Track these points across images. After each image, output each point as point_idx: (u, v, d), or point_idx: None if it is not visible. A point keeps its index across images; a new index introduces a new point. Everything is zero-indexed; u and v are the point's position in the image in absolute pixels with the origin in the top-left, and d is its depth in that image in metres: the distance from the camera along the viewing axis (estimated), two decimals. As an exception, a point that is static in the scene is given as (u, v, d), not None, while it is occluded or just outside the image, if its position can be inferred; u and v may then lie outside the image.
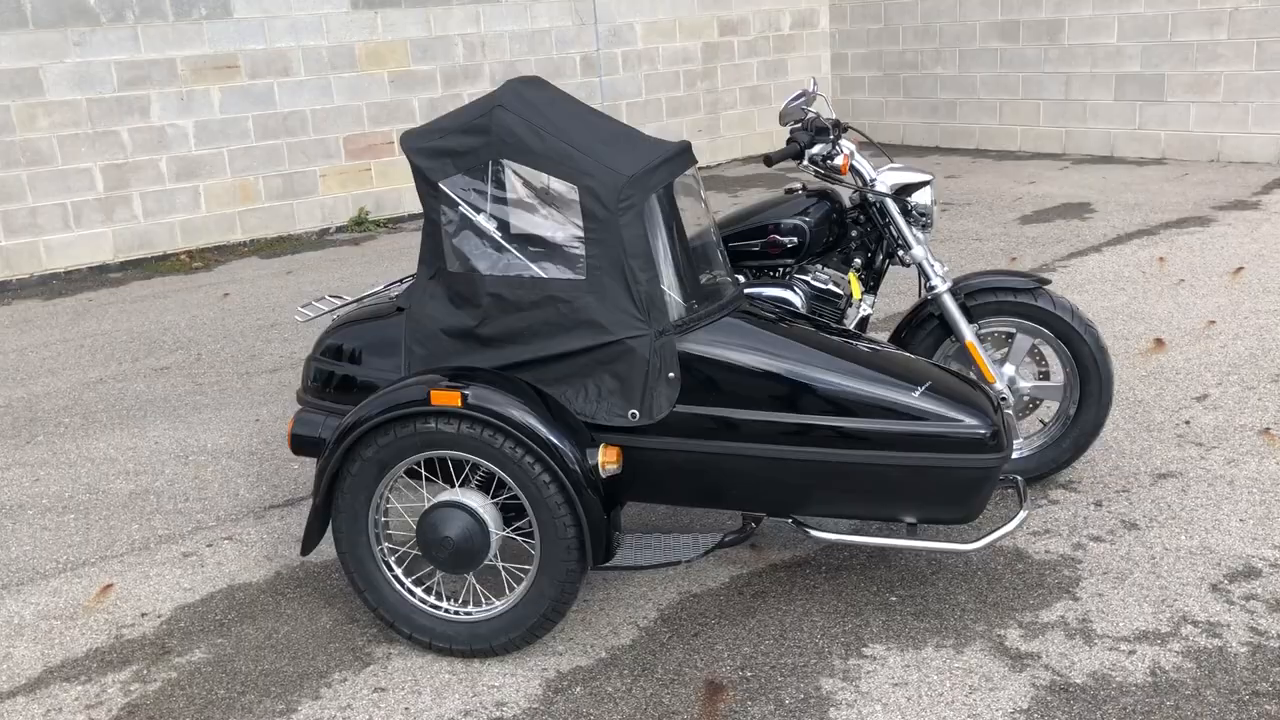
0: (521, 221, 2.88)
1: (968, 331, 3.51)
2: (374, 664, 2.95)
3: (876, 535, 2.92)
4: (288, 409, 4.90)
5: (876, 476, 2.82)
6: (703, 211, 3.08)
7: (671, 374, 2.85)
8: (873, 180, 3.58)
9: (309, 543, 2.95)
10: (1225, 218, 7.16)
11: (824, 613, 3.04)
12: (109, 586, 3.45)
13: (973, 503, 2.84)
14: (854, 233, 3.67)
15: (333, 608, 3.24)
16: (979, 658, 2.78)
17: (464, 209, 2.91)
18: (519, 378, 2.89)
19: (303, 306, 3.42)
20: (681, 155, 2.98)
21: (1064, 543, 3.30)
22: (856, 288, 3.60)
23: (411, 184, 9.38)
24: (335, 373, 3.15)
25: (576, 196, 2.82)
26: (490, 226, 2.90)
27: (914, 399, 2.81)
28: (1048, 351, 4.27)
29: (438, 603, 2.96)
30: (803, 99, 3.64)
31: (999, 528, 2.91)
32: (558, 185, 2.84)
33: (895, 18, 11.15)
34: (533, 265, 2.88)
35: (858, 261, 3.67)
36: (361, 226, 9.09)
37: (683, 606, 3.12)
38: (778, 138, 11.74)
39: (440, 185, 2.92)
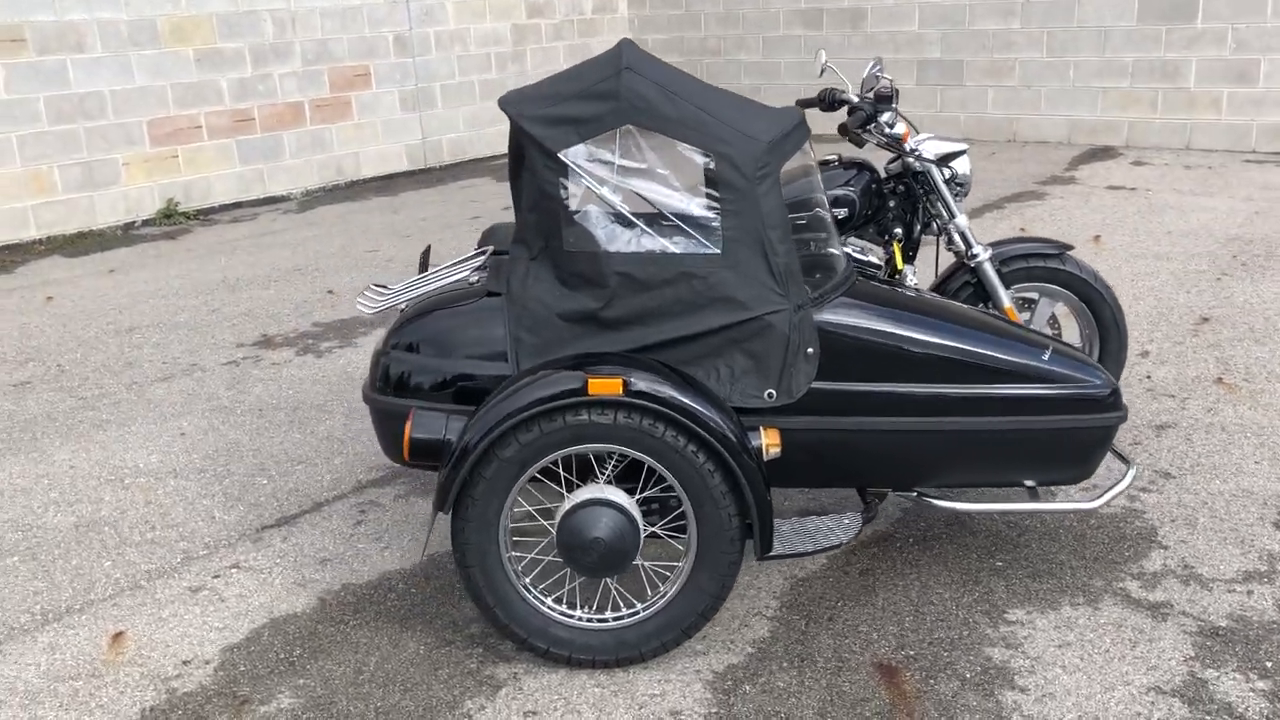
0: (651, 193, 2.67)
1: (1006, 297, 3.59)
2: (505, 686, 2.66)
3: (996, 502, 2.92)
4: (211, 420, 4.36)
5: (1010, 442, 2.82)
6: (816, 182, 2.97)
7: (810, 349, 2.73)
8: (917, 149, 3.59)
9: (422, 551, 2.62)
10: (1055, 191, 7.74)
11: (942, 584, 3.01)
12: (120, 634, 2.94)
13: (1093, 462, 2.90)
14: (892, 203, 3.66)
15: (412, 630, 2.90)
16: (1119, 611, 2.84)
17: (587, 181, 2.67)
18: (656, 360, 2.68)
19: (361, 298, 3.02)
20: (802, 124, 2.85)
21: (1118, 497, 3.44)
22: (900, 258, 3.60)
23: (223, 171, 8.61)
24: (421, 367, 2.80)
25: (712, 164, 2.64)
26: (616, 199, 2.67)
27: (1044, 362, 2.83)
28: (1060, 313, 4.45)
29: (570, 611, 2.71)
30: (877, 67, 3.61)
31: (1113, 485, 2.98)
32: (690, 153, 2.65)
33: (696, 4, 11.30)
34: (664, 240, 2.67)
35: (898, 232, 3.67)
36: (171, 219, 8.24)
37: (799, 592, 3.01)
38: (584, 122, 11.63)
39: (561, 156, 2.66)
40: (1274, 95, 8.44)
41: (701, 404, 2.53)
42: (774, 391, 2.74)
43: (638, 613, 2.69)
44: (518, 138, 2.74)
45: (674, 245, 2.68)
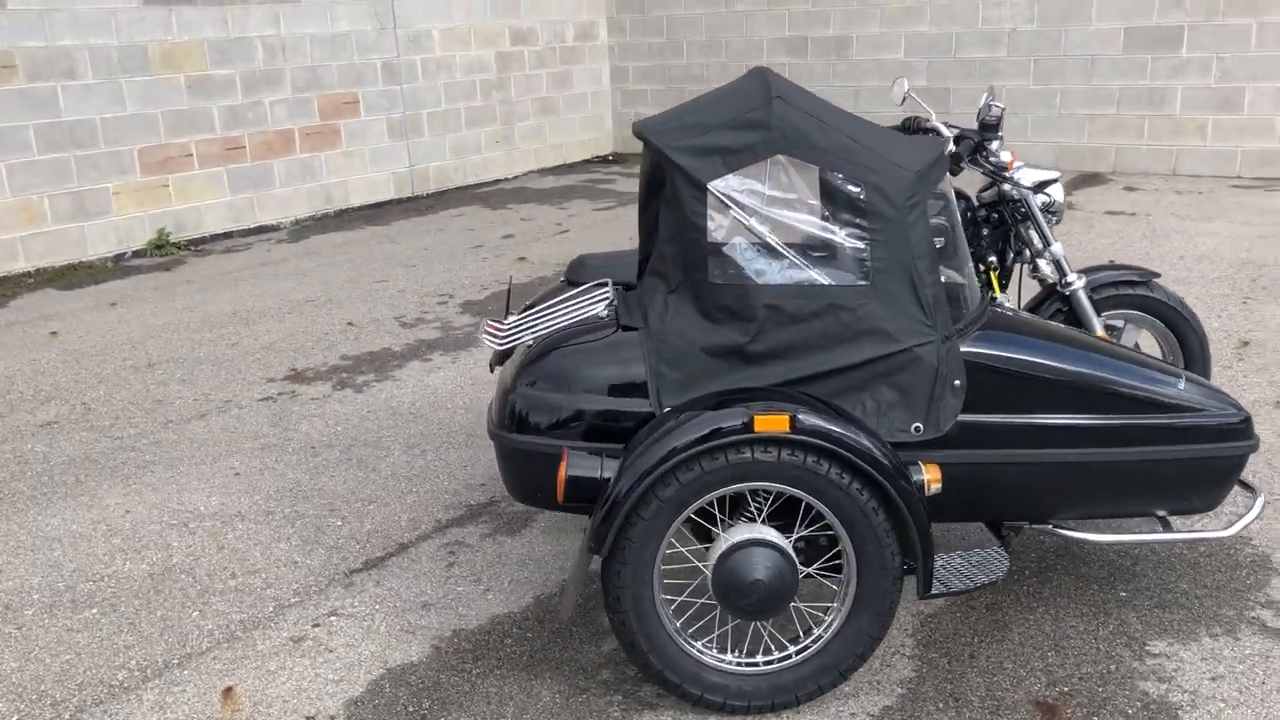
0: (800, 224, 2.62)
1: (1099, 324, 3.58)
2: (658, 736, 2.56)
3: (1127, 533, 2.90)
4: (263, 459, 4.20)
5: (1148, 472, 2.80)
6: (953, 211, 2.94)
7: (957, 382, 2.69)
8: (1015, 176, 3.58)
9: (569, 603, 2.51)
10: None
11: (1073, 617, 2.97)
12: (230, 690, 2.79)
13: (1225, 490, 2.89)
14: (985, 231, 3.64)
15: (542, 678, 2.79)
16: (1262, 642, 2.82)
17: (735, 212, 2.60)
18: (806, 395, 2.61)
19: (484, 334, 2.92)
20: (943, 155, 2.82)
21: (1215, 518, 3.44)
22: (996, 285, 3.58)
23: (213, 201, 8.40)
24: (556, 404, 2.71)
25: (862, 194, 2.59)
26: (765, 230, 2.61)
27: (1181, 391, 2.81)
28: (1143, 340, 4.47)
29: (722, 655, 2.62)
30: (990, 96, 3.62)
31: (1246, 513, 2.97)
32: (840, 183, 2.60)
33: (678, 32, 11.33)
34: (812, 272, 2.61)
35: (992, 260, 3.65)
36: (162, 250, 8.01)
37: (931, 629, 2.95)
38: (567, 150, 11.58)
39: (710, 187, 2.59)
40: (1258, 123, 8.65)
41: (868, 440, 2.47)
42: (921, 425, 2.69)
43: (792, 656, 2.61)
44: (658, 168, 2.67)
45: (822, 277, 2.62)
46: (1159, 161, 9.12)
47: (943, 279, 2.71)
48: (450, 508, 3.78)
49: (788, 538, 2.61)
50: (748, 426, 2.42)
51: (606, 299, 2.85)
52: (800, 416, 2.43)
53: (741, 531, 2.53)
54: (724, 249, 2.62)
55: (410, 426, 4.51)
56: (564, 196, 9.71)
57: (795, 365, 2.65)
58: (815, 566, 2.66)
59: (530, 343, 2.83)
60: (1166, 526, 2.97)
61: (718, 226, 2.62)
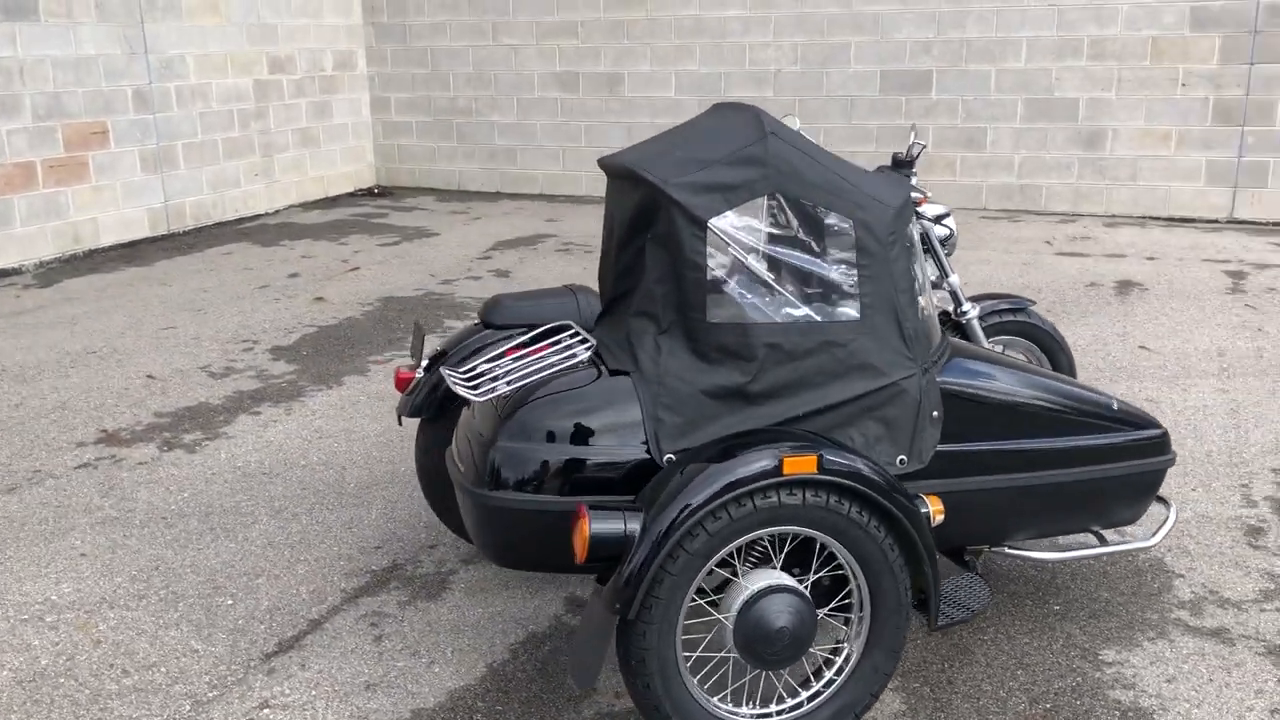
0: (795, 260, 2.59)
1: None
2: (683, 802, 2.42)
3: (1070, 549, 3.05)
4: (109, 535, 3.70)
5: (1095, 488, 2.97)
6: (917, 246, 2.99)
7: (935, 413, 2.74)
8: (919, 210, 3.70)
9: (591, 674, 2.35)
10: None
11: (1022, 634, 3.09)
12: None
13: (1149, 502, 3.10)
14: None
15: (533, 754, 2.59)
16: (1191, 641, 3.04)
17: (734, 250, 2.54)
18: (806, 432, 2.57)
19: (455, 385, 2.67)
20: (910, 192, 2.87)
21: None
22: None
23: (-53, 242, 7.38)
24: (547, 457, 2.53)
25: (850, 230, 2.60)
26: (762, 268, 2.56)
27: (1116, 411, 3.00)
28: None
29: (736, 709, 2.53)
30: (914, 134, 3.70)
31: (1163, 523, 3.19)
32: (830, 219, 2.60)
33: (444, 63, 11.11)
34: (806, 308, 2.59)
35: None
36: (-117, 299, 6.95)
37: (903, 661, 2.97)
38: (330, 183, 11.06)
39: (710, 225, 2.51)
40: (1000, 159, 9.48)
41: (885, 478, 2.46)
42: (905, 457, 2.72)
43: (804, 703, 2.55)
44: (649, 204, 2.56)
45: (816, 314, 2.60)
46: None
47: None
48: (351, 575, 3.47)
49: (803, 581, 2.56)
50: (778, 469, 2.36)
51: (587, 343, 2.70)
52: (827, 456, 2.39)
53: (760, 578, 2.45)
54: (724, 288, 2.55)
55: (268, 488, 4.11)
56: (338, 232, 9.26)
57: (793, 404, 2.61)
58: (829, 608, 2.62)
59: (502, 393, 2.63)
60: (1102, 540, 3.15)
61: (717, 265, 2.54)
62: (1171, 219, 9.13)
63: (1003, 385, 2.86)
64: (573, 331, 2.82)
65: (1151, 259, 7.74)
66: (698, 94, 10.26)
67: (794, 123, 4.00)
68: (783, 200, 2.58)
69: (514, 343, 2.92)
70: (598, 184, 10.85)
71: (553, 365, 2.65)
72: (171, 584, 3.41)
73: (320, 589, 3.38)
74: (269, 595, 3.34)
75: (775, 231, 2.58)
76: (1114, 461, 2.97)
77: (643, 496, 2.44)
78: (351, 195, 11.30)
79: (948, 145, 9.60)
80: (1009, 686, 2.84)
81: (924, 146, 3.79)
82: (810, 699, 2.56)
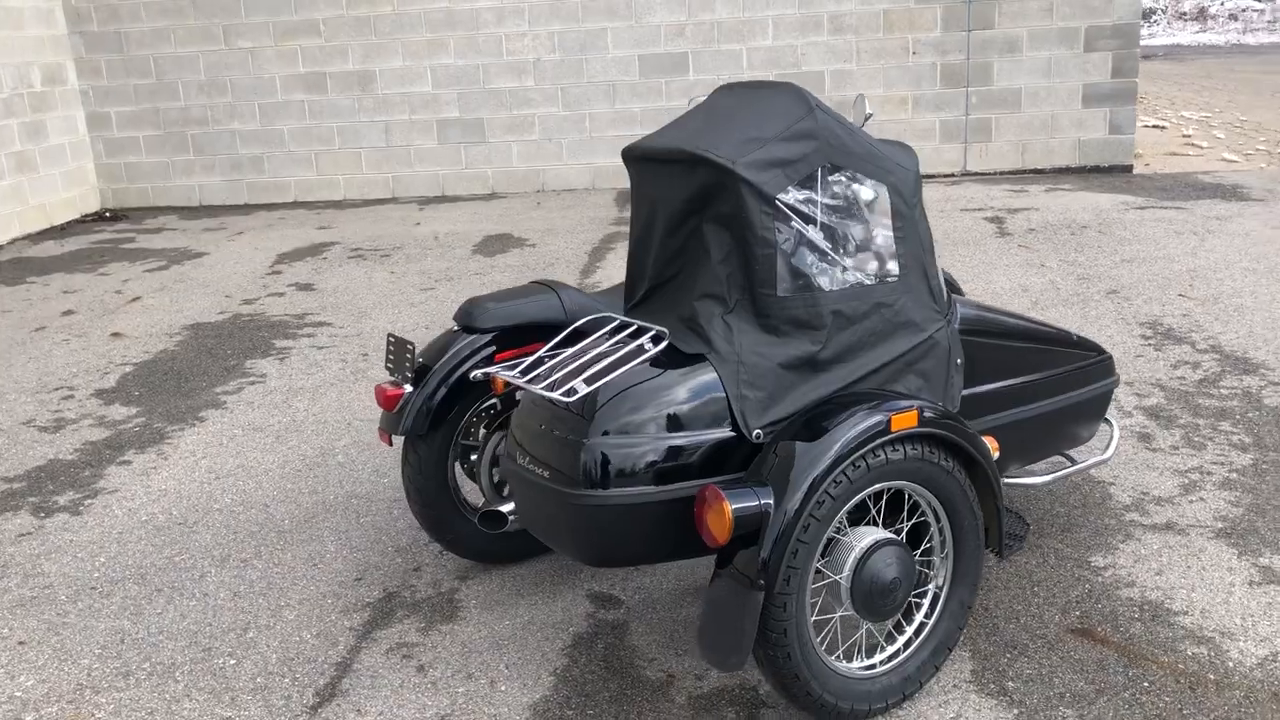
0: (846, 229, 2.69)
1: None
2: (826, 762, 2.49)
3: (1041, 475, 3.35)
4: (39, 615, 3.27)
5: (1073, 412, 3.29)
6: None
7: (960, 360, 2.95)
8: None
9: (742, 656, 2.36)
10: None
11: (1017, 557, 3.36)
12: None
13: (1100, 421, 3.46)
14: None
15: (655, 749, 2.57)
16: (1157, 536, 3.42)
17: (797, 223, 2.61)
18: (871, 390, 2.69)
19: (540, 384, 2.55)
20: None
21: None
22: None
23: None
24: (644, 448, 2.51)
25: (886, 195, 2.75)
26: (820, 239, 2.65)
27: (1076, 339, 3.32)
28: None
29: (850, 664, 2.62)
30: (861, 102, 3.81)
31: (1111, 439, 3.55)
32: (868, 186, 2.72)
33: (170, 72, 10.32)
34: (860, 274, 2.71)
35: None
36: None
37: (932, 594, 3.16)
38: (53, 211, 10.02)
39: (778, 200, 2.57)
40: (759, 133, 9.97)
41: (963, 423, 2.62)
42: (942, 405, 2.89)
43: (901, 649, 2.68)
44: (711, 186, 2.57)
45: (866, 278, 2.72)
46: (683, 173, 10.15)
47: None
48: (348, 611, 3.26)
49: (896, 533, 2.67)
50: (887, 427, 2.46)
51: (652, 331, 2.68)
52: (925, 411, 2.52)
53: (866, 535, 2.55)
54: (792, 261, 2.61)
55: (195, 539, 3.76)
56: (91, 262, 8.43)
57: (854, 367, 2.72)
58: (915, 555, 2.75)
59: (584, 392, 2.56)
60: (1071, 461, 3.48)
61: (785, 239, 2.60)
62: (916, 176, 9.96)
63: (1005, 326, 3.10)
64: (619, 323, 2.78)
65: (919, 213, 8.43)
66: (456, 87, 10.11)
67: (865, 104, 4.07)
68: (833, 171, 2.67)
69: (551, 342, 2.85)
70: (363, 187, 10.47)
71: (625, 356, 2.61)
72: (151, 655, 3.07)
73: (325, 631, 3.15)
74: (272, 647, 3.08)
75: (829, 202, 2.67)
76: (1083, 387, 3.30)
77: (755, 472, 2.47)
78: (81, 221, 10.29)
79: (709, 123, 9.98)
80: (1037, 604, 3.10)
81: (870, 115, 3.98)
82: (907, 644, 2.69)
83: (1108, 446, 3.52)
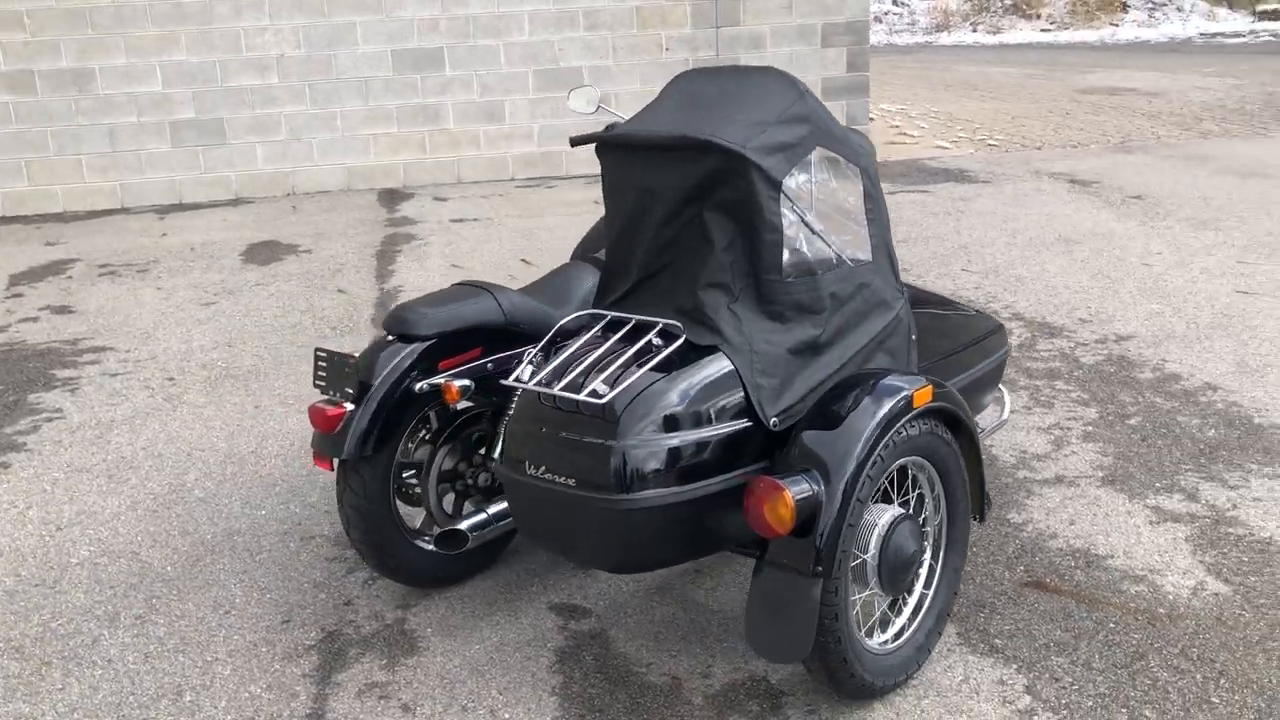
0: (833, 211, 2.73)
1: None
2: (870, 740, 2.52)
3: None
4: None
5: (989, 376, 3.50)
6: None
7: (914, 336, 3.06)
8: None
9: (805, 644, 2.34)
10: (416, 231, 8.11)
11: (943, 520, 3.53)
12: None
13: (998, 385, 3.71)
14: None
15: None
16: (1058, 490, 3.69)
17: (798, 207, 2.61)
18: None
19: (543, 386, 2.38)
20: None
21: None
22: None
23: None
24: (679, 444, 2.43)
25: (858, 177, 2.80)
26: (815, 221, 2.66)
27: (975, 313, 3.54)
28: None
29: (873, 640, 2.66)
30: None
31: (1004, 399, 3.79)
32: (847, 168, 2.77)
33: None
34: (844, 255, 2.75)
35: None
36: None
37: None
38: None
39: (783, 185, 2.55)
40: (520, 130, 9.88)
41: (958, 396, 2.71)
42: (904, 382, 2.99)
43: (909, 620, 2.75)
44: (723, 172, 2.51)
45: (849, 259, 2.76)
46: (444, 172, 9.88)
47: None
48: (292, 657, 2.95)
49: (903, 506, 2.73)
50: (910, 404, 2.51)
51: (658, 326, 2.58)
52: (936, 385, 2.59)
53: (883, 512, 2.59)
54: (794, 246, 2.61)
55: (64, 600, 3.28)
56: None
57: (844, 349, 2.76)
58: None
59: (611, 394, 2.44)
60: (980, 428, 3.68)
61: (788, 224, 2.59)
62: (675, 169, 10.19)
63: (925, 302, 3.24)
64: (611, 319, 2.66)
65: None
66: (191, 86, 9.33)
67: (594, 93, 3.98)
68: (820, 155, 2.68)
69: (536, 345, 2.70)
70: (86, 197, 9.45)
71: (641, 353, 2.51)
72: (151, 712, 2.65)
73: (276, 683, 2.84)
74: (221, 709, 2.74)
75: (818, 185, 2.68)
76: (990, 356, 3.51)
77: (787, 461, 2.45)
78: None
79: (470, 120, 9.79)
80: (983, 564, 3.27)
81: (601, 107, 3.91)
82: (912, 615, 2.76)
83: (1004, 410, 3.76)
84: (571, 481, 2.44)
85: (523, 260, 7.14)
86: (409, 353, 2.99)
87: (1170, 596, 3.05)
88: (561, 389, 2.46)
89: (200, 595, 3.28)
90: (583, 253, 3.60)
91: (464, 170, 9.91)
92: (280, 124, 9.56)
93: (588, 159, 10.05)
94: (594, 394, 2.41)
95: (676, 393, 2.47)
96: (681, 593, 3.18)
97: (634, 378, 2.45)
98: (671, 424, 2.45)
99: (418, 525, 3.23)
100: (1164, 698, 2.62)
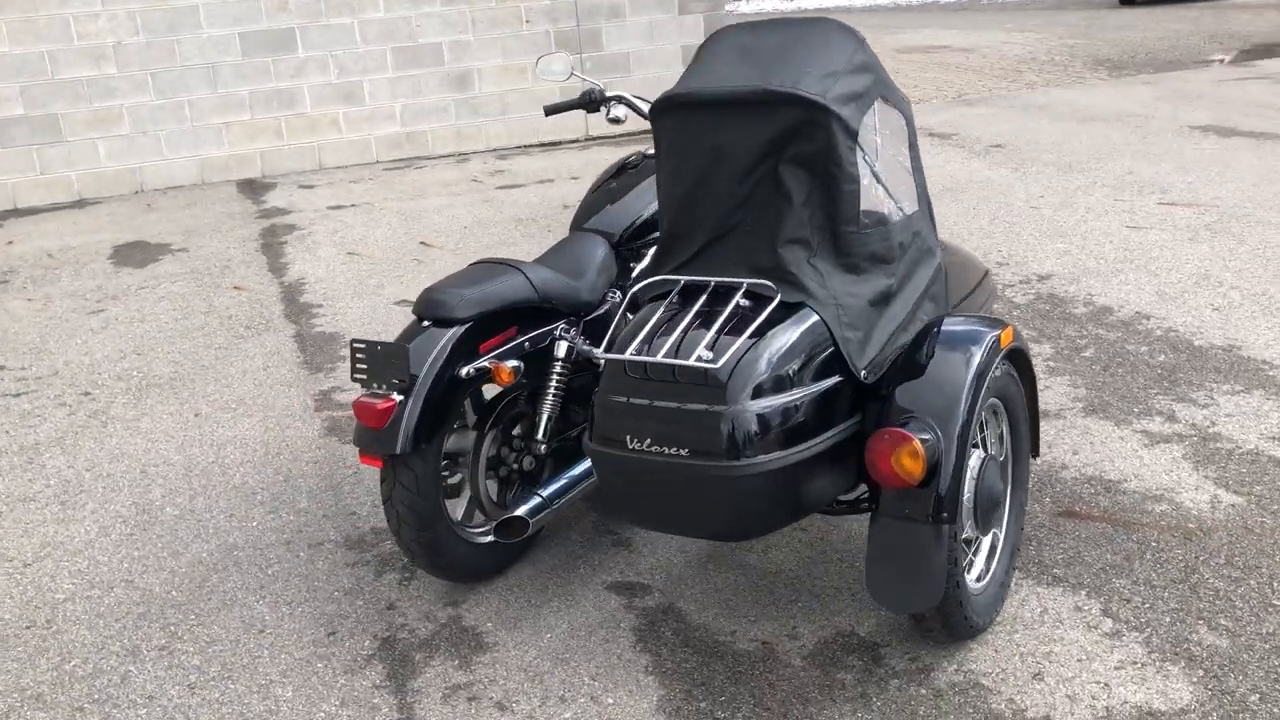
0: (892, 160, 2.73)
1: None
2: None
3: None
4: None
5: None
6: None
7: (947, 284, 3.10)
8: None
9: (936, 592, 2.36)
10: (295, 220, 7.73)
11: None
12: None
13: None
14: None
15: (879, 701, 2.49)
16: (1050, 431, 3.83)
17: (869, 158, 2.60)
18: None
19: (706, 362, 2.28)
20: None
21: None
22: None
23: None
24: (789, 405, 2.39)
25: (906, 126, 2.82)
26: (882, 171, 2.66)
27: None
28: None
29: (968, 581, 2.69)
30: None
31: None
32: (899, 116, 2.78)
33: None
34: (901, 204, 2.76)
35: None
36: None
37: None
38: None
39: (859, 134, 2.53)
40: (381, 110, 9.52)
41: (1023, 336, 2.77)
42: (945, 329, 3.03)
43: (989, 558, 2.80)
44: (803, 124, 2.46)
45: (905, 208, 2.77)
46: (305, 158, 9.44)
47: None
48: (355, 670, 2.77)
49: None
50: (998, 346, 2.54)
51: (743, 287, 2.52)
52: (1014, 327, 2.63)
53: (973, 454, 2.62)
54: (869, 195, 2.59)
55: (68, 640, 2.98)
56: None
57: (906, 299, 2.77)
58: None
59: (710, 358, 2.37)
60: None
61: (864, 174, 2.57)
62: (544, 144, 10.06)
63: (946, 250, 3.30)
64: (684, 284, 2.58)
65: (575, 179, 8.53)
66: (18, 80, 8.59)
67: (566, 59, 3.85)
68: (881, 104, 2.67)
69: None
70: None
71: (739, 315, 2.45)
72: (147, 784, 2.41)
73: (350, 697, 2.66)
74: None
75: (881, 134, 2.67)
76: (990, 296, 3.61)
77: (890, 412, 2.45)
78: None
79: (328, 102, 9.37)
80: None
81: (572, 73, 3.83)
82: (991, 552, 2.81)
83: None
84: (684, 452, 2.37)
85: (423, 243, 6.90)
86: (450, 337, 2.83)
87: (1194, 512, 3.21)
88: (664, 356, 2.38)
89: (223, 617, 3.04)
90: (580, 223, 3.50)
91: (325, 155, 9.50)
92: (123, 117, 8.91)
93: (453, 138, 9.78)
94: (701, 359, 2.34)
95: (777, 353, 2.42)
96: (734, 559, 3.15)
97: (738, 342, 2.39)
98: (777, 386, 2.40)
99: (458, 517, 3.08)
100: (1231, 606, 2.76)
